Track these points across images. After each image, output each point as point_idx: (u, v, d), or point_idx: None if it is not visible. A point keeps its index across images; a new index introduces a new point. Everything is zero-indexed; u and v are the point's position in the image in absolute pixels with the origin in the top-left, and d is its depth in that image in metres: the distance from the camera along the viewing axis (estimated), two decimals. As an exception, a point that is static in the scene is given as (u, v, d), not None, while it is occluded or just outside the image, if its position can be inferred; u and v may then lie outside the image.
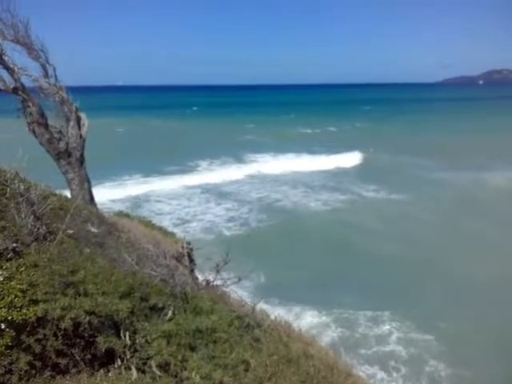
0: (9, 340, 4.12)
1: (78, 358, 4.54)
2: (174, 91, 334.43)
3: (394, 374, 15.39)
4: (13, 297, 4.37)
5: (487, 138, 62.24)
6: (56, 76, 13.11)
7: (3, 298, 4.33)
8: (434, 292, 20.44)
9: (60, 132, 13.26)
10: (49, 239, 6.09)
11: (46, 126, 12.93)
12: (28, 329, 4.32)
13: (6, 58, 12.02)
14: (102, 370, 4.63)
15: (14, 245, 5.40)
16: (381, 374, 15.36)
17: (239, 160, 55.84)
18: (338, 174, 48.45)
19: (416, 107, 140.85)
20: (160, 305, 5.79)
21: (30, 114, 12.62)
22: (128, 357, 4.78)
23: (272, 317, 9.05)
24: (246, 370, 5.55)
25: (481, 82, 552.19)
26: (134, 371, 4.62)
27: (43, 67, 12.95)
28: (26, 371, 4.15)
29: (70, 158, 13.31)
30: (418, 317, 18.36)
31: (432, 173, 45.56)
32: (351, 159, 54.70)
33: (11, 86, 12.26)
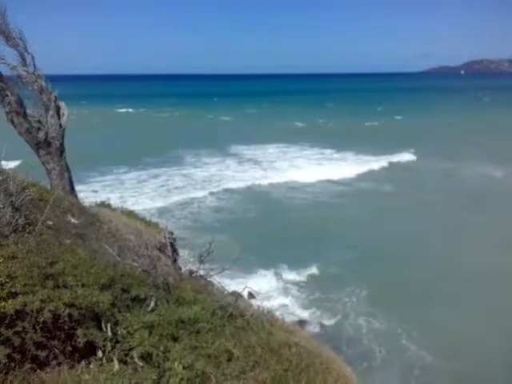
0: (-14, 333, 4.06)
1: (58, 351, 4.49)
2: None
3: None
4: (-10, 289, 4.30)
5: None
6: (35, 64, 12.83)
7: (-19, 291, 4.25)
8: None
9: (39, 121, 12.99)
10: (28, 230, 5.99)
11: (25, 115, 12.65)
12: (7, 321, 4.25)
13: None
14: (83, 362, 4.59)
15: (-8, 236, 5.31)
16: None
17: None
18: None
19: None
20: (142, 296, 5.76)
21: (9, 103, 12.33)
22: (109, 348, 4.75)
23: (255, 306, 9.07)
24: (229, 360, 5.57)
25: (462, 72, 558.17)
26: (115, 362, 4.59)
27: (21, 55, 12.65)
28: (4, 364, 4.09)
29: (50, 147, 13.07)
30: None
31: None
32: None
33: (-12, 75, 11.99)
